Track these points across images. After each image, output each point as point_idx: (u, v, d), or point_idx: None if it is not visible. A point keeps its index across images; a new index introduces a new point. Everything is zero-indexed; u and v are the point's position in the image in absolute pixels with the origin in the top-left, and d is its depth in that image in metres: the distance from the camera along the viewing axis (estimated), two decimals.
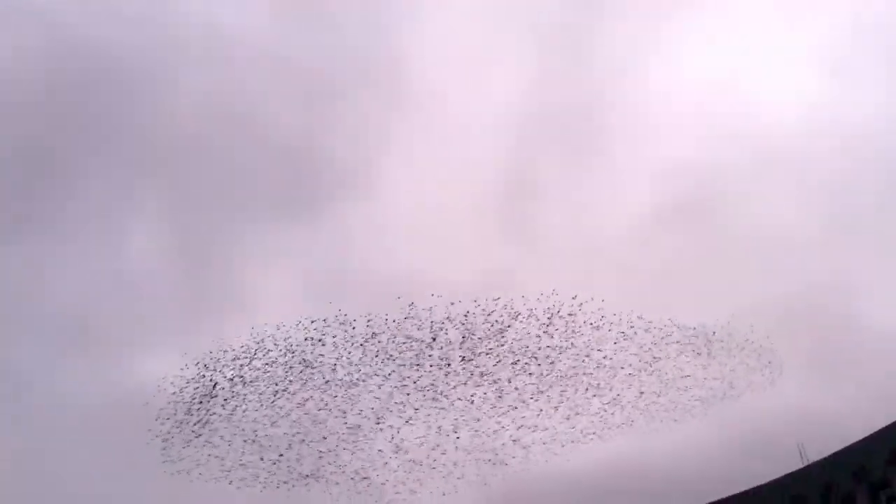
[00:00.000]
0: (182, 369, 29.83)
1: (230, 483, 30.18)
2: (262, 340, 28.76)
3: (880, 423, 25.10)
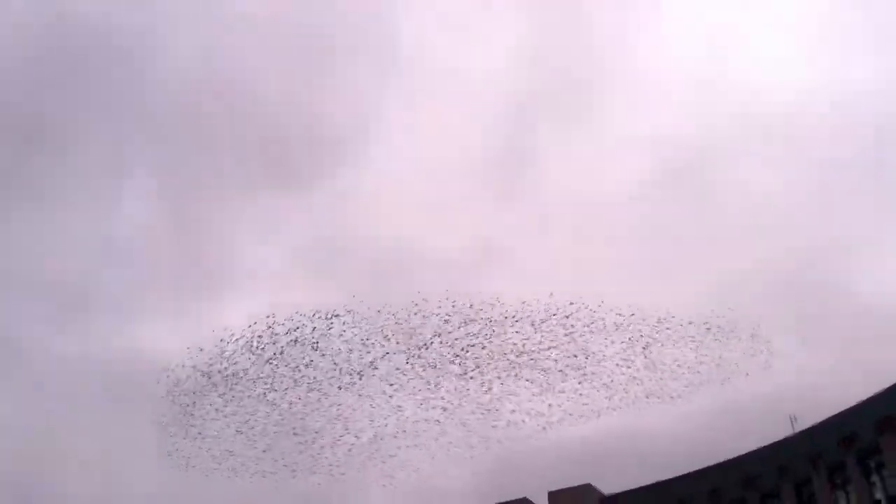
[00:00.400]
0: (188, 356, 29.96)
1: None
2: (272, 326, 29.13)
3: (870, 391, 25.23)
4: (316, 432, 30.01)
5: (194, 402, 30.22)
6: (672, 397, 28.04)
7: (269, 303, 79.43)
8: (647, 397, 28.05)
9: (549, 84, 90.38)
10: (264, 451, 30.27)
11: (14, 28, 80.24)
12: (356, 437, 30.46)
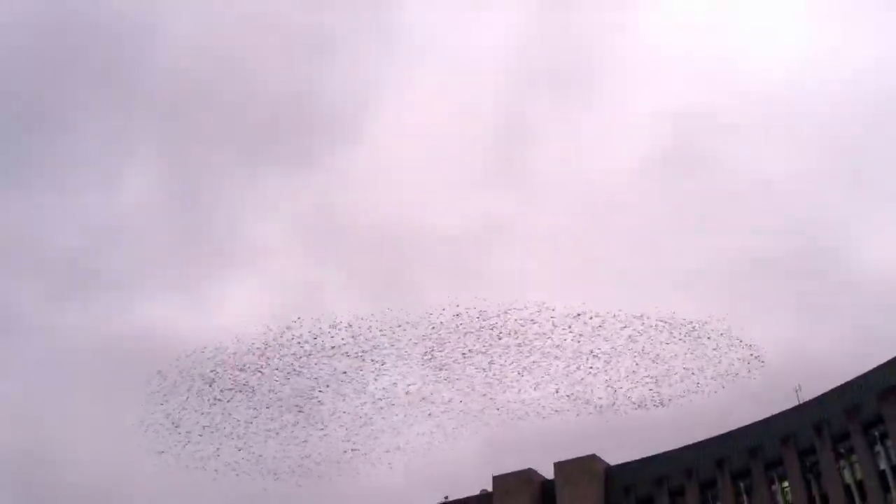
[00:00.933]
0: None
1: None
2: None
3: (873, 362, 25.54)
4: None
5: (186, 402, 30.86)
6: (670, 399, 28.97)
7: (271, 279, 79.84)
8: (652, 387, 28.83)
9: (550, 62, 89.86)
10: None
11: (18, 10, 79.83)
12: (363, 406, 31.32)
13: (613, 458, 32.81)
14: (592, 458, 31.87)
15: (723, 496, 28.24)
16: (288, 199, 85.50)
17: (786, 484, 26.92)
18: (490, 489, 33.93)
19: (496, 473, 33.76)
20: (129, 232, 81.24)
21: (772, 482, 27.30)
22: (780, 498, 26.99)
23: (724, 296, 69.39)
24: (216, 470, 31.61)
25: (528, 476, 33.00)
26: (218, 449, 31.01)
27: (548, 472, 33.13)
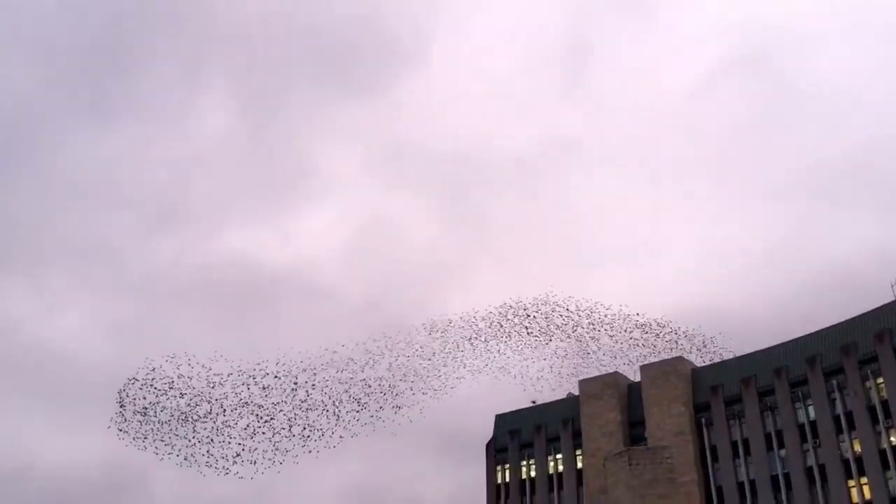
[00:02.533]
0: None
1: None
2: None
3: None
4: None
5: None
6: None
7: (346, 205, 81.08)
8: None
9: None
10: None
11: None
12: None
13: (700, 360, 33.09)
14: (679, 360, 32.13)
15: (814, 394, 28.20)
16: (358, 128, 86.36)
17: (880, 380, 26.66)
18: (576, 393, 34.70)
19: (582, 378, 34.47)
20: (210, 165, 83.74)
21: (865, 379, 27.09)
22: (874, 394, 26.79)
23: (809, 201, 67.78)
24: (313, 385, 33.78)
25: (613, 379, 33.54)
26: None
27: (634, 376, 33.64)
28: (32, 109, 78.73)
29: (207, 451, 32.29)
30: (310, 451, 32.93)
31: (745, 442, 29.40)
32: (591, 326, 34.45)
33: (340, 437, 33.13)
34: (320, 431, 33.00)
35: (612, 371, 33.90)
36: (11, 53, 77.56)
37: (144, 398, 32.78)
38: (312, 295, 77.05)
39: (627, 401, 33.18)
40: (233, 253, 77.25)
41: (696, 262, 69.90)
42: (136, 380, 33.05)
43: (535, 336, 34.74)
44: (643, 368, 32.62)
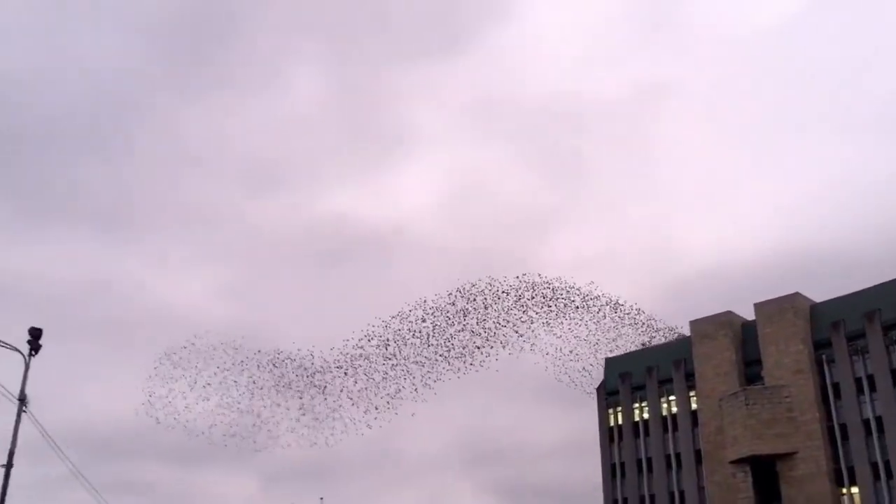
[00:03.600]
0: None
1: None
2: None
3: None
4: None
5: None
6: None
7: (440, 163, 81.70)
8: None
9: None
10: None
11: None
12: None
13: (819, 295, 31.88)
14: (796, 296, 31.06)
15: None
16: (446, 87, 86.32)
17: None
18: (688, 334, 34.22)
19: (693, 318, 33.90)
20: (306, 128, 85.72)
21: None
22: None
23: None
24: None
25: (727, 318, 32.83)
26: None
27: (748, 315, 32.79)
28: (142, 84, 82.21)
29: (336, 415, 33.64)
30: (424, 401, 33.93)
31: (871, 378, 28.33)
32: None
33: (450, 378, 34.04)
34: (432, 380, 33.91)
35: (724, 311, 33.16)
36: (118, 32, 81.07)
37: (275, 367, 34.19)
38: (413, 250, 78.50)
39: (742, 340, 32.48)
40: (333, 213, 79.39)
41: (801, 199, 67.49)
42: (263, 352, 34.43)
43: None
44: (758, 306, 31.70)
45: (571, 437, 55.69)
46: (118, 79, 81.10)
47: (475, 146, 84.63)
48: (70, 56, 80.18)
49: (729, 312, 33.01)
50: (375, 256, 78.69)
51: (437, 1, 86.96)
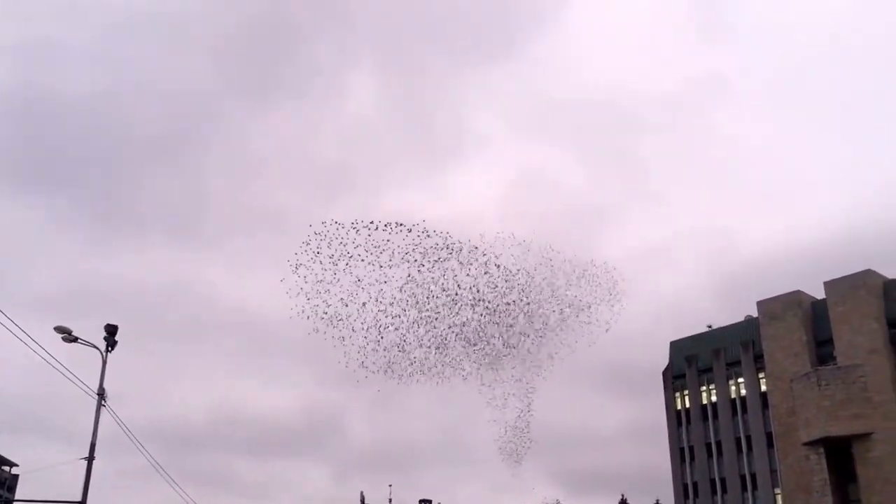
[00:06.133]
0: None
1: None
2: None
3: None
4: None
5: None
6: None
7: (497, 163, 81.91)
8: None
9: None
10: None
11: None
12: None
13: (892, 272, 30.76)
14: (868, 273, 30.03)
15: None
16: (500, 90, 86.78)
17: None
18: (755, 315, 33.47)
19: (760, 298, 33.13)
20: (370, 133, 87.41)
21: None
22: None
23: None
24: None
25: (796, 298, 31.97)
26: None
27: (818, 294, 31.86)
28: (213, 101, 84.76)
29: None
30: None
31: None
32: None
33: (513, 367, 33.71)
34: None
35: (793, 290, 32.29)
36: (190, 54, 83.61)
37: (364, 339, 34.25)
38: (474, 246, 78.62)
39: (812, 320, 31.60)
40: (399, 212, 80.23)
41: (869, 176, 65.69)
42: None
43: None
44: (828, 284, 30.76)
45: (640, 423, 55.12)
46: (191, 99, 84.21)
47: (529, 145, 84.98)
48: (147, 78, 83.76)
49: (798, 292, 32.14)
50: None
51: (489, 8, 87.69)
